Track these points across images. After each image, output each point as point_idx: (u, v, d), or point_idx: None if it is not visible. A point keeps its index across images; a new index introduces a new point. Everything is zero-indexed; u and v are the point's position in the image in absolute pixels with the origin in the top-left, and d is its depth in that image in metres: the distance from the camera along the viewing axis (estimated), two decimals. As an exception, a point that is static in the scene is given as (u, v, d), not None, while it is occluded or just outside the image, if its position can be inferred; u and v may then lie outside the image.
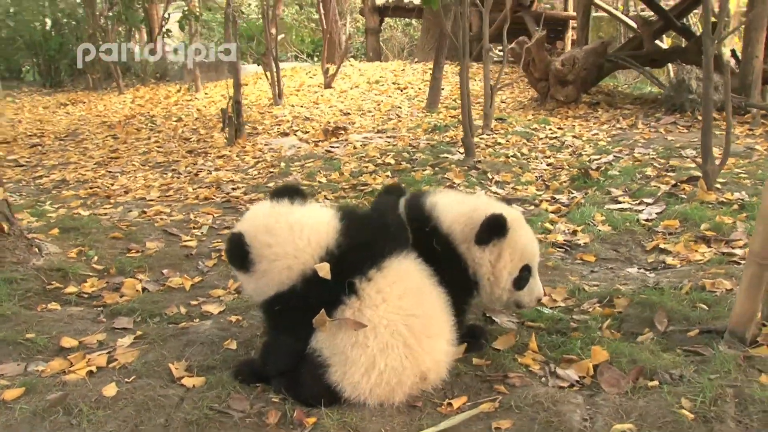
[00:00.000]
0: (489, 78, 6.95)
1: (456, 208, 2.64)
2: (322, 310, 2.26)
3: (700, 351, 2.63)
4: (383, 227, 2.49)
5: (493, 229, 2.53)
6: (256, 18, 18.11)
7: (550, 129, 7.21)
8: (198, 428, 2.24)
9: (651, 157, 5.77)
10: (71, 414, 2.30)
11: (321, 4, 12.35)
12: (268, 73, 9.78)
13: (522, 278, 2.61)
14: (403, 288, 2.33)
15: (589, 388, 2.48)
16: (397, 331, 2.27)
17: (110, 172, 6.37)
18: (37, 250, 3.57)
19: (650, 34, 9.72)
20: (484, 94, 7.21)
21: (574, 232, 4.15)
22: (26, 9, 16.60)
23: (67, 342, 2.79)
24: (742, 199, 4.37)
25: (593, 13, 17.58)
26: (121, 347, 2.76)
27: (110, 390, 2.40)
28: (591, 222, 4.23)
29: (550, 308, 3.16)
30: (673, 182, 4.83)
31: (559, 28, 15.44)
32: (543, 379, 2.56)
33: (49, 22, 16.83)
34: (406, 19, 18.87)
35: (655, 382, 2.45)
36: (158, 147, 7.50)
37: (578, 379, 2.53)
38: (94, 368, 2.59)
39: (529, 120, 7.80)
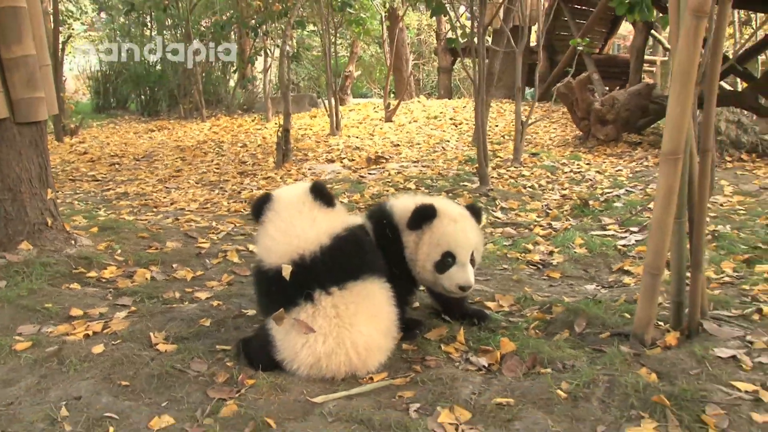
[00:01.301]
0: (520, 115, 7.33)
1: (404, 204, 3.13)
2: (282, 309, 2.71)
3: (603, 349, 2.92)
4: (361, 252, 2.90)
5: (419, 216, 3.01)
6: (344, 56, 19.12)
7: (578, 164, 7.49)
8: (158, 380, 2.75)
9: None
10: (63, 364, 2.85)
11: (386, 43, 13.01)
12: (326, 106, 10.47)
13: (443, 263, 3.00)
14: (359, 308, 2.75)
15: (492, 372, 2.85)
16: (343, 342, 2.70)
17: (167, 188, 7.13)
18: (73, 242, 4.24)
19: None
20: (515, 130, 7.57)
21: (551, 253, 4.47)
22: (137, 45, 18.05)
23: (75, 312, 3.38)
24: (717, 231, 4.58)
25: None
26: (116, 319, 3.32)
27: (98, 349, 2.96)
28: (570, 245, 4.54)
29: (496, 312, 3.52)
30: (666, 214, 5.06)
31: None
32: (457, 364, 2.95)
33: (153, 57, 18.21)
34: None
35: (548, 370, 2.79)
36: (216, 168, 8.25)
37: (486, 365, 2.90)
38: (90, 332, 3.15)
39: (564, 156, 8.09)
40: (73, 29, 18.16)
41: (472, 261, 3.11)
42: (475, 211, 3.26)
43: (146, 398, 2.64)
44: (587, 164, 7.53)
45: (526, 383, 2.70)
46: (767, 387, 2.54)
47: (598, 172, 7.07)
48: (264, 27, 10.03)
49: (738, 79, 12.86)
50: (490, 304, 3.61)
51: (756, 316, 3.18)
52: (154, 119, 15.40)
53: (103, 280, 3.89)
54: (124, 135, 12.35)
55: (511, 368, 2.86)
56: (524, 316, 3.44)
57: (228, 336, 3.19)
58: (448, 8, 6.99)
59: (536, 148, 8.76)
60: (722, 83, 11.30)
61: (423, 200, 3.16)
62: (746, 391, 2.52)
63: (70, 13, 19.05)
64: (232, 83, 18.04)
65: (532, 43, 13.99)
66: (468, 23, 13.01)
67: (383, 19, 13.24)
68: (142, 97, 17.64)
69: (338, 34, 14.81)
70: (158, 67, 17.52)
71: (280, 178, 7.37)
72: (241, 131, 11.89)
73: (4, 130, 3.98)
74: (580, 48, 8.48)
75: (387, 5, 12.31)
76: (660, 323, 3.10)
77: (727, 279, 3.85)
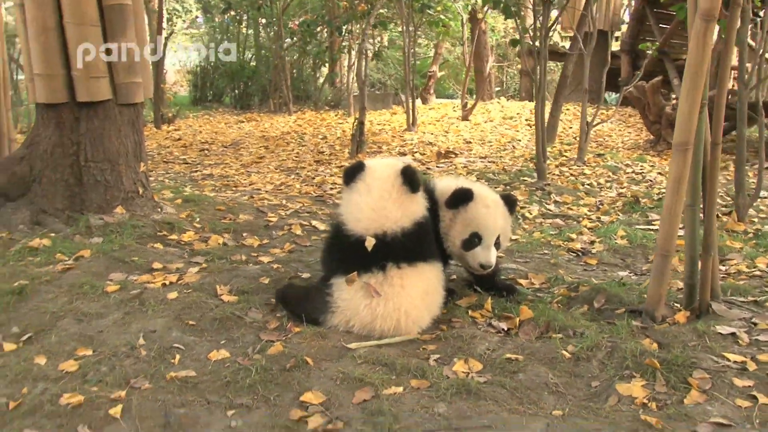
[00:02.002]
0: (586, 116, 7.54)
1: (446, 185, 3.54)
2: (355, 272, 3.13)
3: (615, 322, 3.21)
4: (431, 239, 3.35)
5: (457, 198, 3.41)
6: (429, 56, 19.52)
7: (641, 166, 7.61)
8: (219, 323, 3.22)
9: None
10: (144, 305, 3.37)
11: (466, 44, 13.32)
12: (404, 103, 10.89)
13: (470, 242, 3.39)
14: (419, 284, 3.17)
15: (509, 335, 3.19)
16: (399, 309, 3.10)
17: (248, 171, 7.73)
18: (159, 209, 4.82)
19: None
20: (580, 130, 7.78)
21: (592, 242, 4.73)
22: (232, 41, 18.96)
23: (156, 265, 3.91)
24: (761, 230, 4.71)
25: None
26: (189, 273, 3.84)
27: (172, 295, 3.47)
28: (612, 236, 4.78)
29: (527, 288, 3.84)
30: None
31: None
32: (480, 327, 3.29)
33: (248, 54, 19.09)
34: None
35: (559, 335, 3.11)
36: (295, 156, 8.81)
37: (505, 328, 3.24)
38: (167, 282, 3.67)
39: (630, 158, 8.22)
40: (175, 26, 19.29)
41: (498, 244, 3.47)
42: (509, 201, 3.63)
43: (208, 336, 3.11)
44: (651, 166, 7.64)
45: (537, 345, 3.03)
46: (756, 359, 2.78)
47: (659, 173, 7.18)
48: (349, 26, 10.54)
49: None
50: (522, 281, 3.92)
51: (768, 304, 3.38)
52: (246, 112, 16.20)
53: (182, 243, 4.43)
54: (216, 125, 13.14)
55: (526, 332, 3.19)
56: (551, 293, 3.74)
57: (283, 293, 3.63)
58: (521, 11, 7.28)
59: (605, 150, 8.90)
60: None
61: (463, 183, 3.54)
62: (735, 361, 2.77)
63: (176, 12, 20.20)
64: (321, 80, 18.77)
65: (615, 48, 13.96)
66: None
67: (464, 21, 13.57)
68: (236, 91, 18.50)
69: (423, 35, 15.26)
70: (253, 63, 18.44)
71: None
72: (323, 124, 12.47)
73: (108, 110, 4.57)
74: (649, 52, 8.56)
75: (469, 7, 12.64)
76: (677, 304, 3.35)
77: (757, 273, 4.02)
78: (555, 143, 9.19)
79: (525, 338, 3.14)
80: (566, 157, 8.18)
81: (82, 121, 4.50)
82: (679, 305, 3.34)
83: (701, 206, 3.24)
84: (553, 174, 7.00)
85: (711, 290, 3.25)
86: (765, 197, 5.90)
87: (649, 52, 8.65)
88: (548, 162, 7.32)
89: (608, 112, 11.55)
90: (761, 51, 5.12)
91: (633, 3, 14.27)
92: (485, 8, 10.63)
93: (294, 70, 16.74)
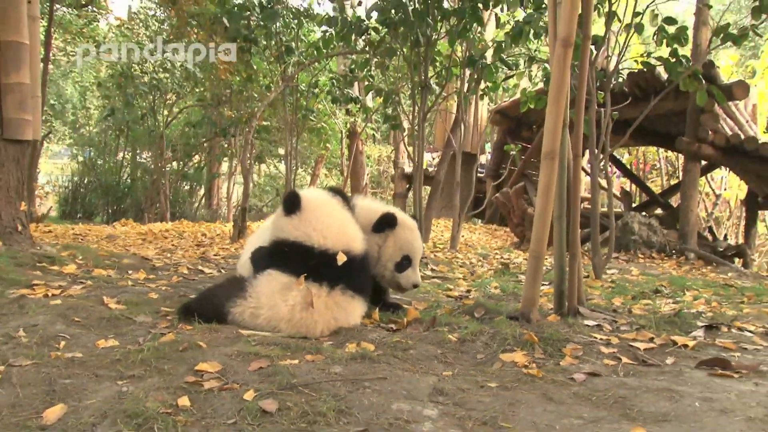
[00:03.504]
0: (457, 208, 8.13)
1: (365, 209, 3.70)
2: (305, 274, 3.14)
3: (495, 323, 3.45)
4: (367, 276, 3.46)
5: (384, 223, 3.60)
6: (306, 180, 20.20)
7: (508, 255, 8.18)
8: (107, 322, 3.17)
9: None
10: (23, 308, 3.26)
11: (344, 158, 14.01)
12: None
13: (402, 264, 3.61)
14: (343, 319, 3.23)
15: (399, 332, 3.33)
16: (312, 326, 3.11)
17: (128, 249, 7.57)
18: (38, 247, 4.69)
19: (629, 203, 10.99)
20: (452, 224, 8.31)
21: (469, 291, 5.03)
22: (108, 162, 18.81)
23: (37, 282, 3.80)
24: (615, 283, 5.23)
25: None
26: (73, 289, 3.75)
27: (56, 301, 3.38)
28: (487, 287, 5.11)
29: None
30: (576, 276, 5.71)
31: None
32: (369, 327, 3.42)
33: (125, 175, 18.81)
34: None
35: (446, 328, 3.29)
36: (175, 244, 8.72)
37: (394, 328, 3.39)
38: (49, 294, 3.57)
39: (498, 251, 8.81)
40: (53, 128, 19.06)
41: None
42: (416, 219, 3.91)
43: (96, 331, 3.04)
44: (517, 256, 8.22)
45: (424, 334, 3.20)
46: (619, 337, 3.10)
47: (525, 259, 7.74)
48: (232, 130, 10.88)
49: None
50: (406, 306, 4.11)
51: (626, 314, 3.75)
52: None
53: (64, 273, 4.31)
54: (90, 227, 12.77)
55: (415, 327, 3.37)
56: (435, 312, 3.95)
57: (173, 305, 3.60)
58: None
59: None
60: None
61: (379, 206, 3.78)
62: (601, 338, 3.06)
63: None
64: (197, 205, 18.81)
65: (480, 174, 15.11)
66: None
67: (343, 137, 14.34)
68: (109, 210, 17.96)
69: (301, 160, 15.92)
70: (128, 180, 18.20)
71: (234, 249, 7.87)
72: (203, 226, 12.42)
73: (-8, 143, 4.53)
74: (513, 152, 9.46)
75: (347, 124, 13.41)
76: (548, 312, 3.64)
77: (613, 307, 4.43)
78: (428, 244, 9.66)
79: (414, 332, 3.30)
80: (440, 248, 8.64)
81: (-37, 152, 4.43)
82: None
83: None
84: (429, 257, 7.36)
85: (578, 297, 3.58)
86: (614, 274, 6.52)
87: (513, 152, 9.54)
88: (424, 246, 7.69)
89: (476, 226, 12.36)
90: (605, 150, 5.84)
91: (495, 134, 15.67)
92: (364, 125, 11.35)
93: (171, 189, 16.66)
